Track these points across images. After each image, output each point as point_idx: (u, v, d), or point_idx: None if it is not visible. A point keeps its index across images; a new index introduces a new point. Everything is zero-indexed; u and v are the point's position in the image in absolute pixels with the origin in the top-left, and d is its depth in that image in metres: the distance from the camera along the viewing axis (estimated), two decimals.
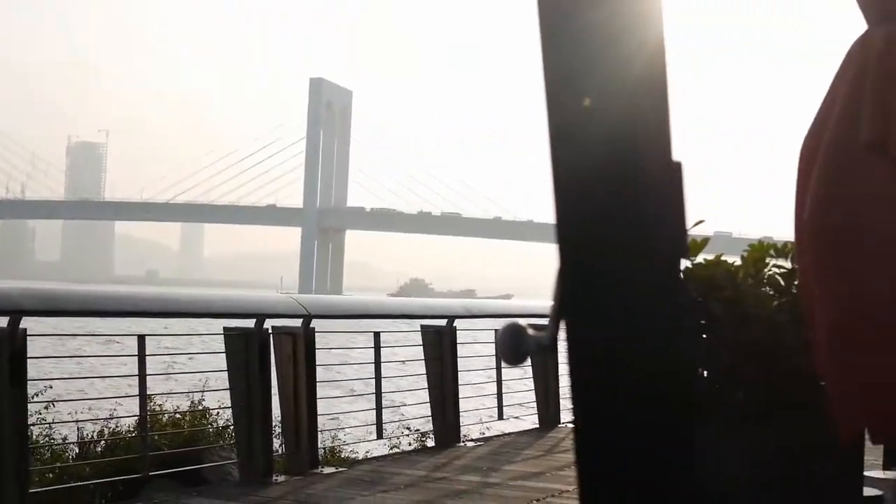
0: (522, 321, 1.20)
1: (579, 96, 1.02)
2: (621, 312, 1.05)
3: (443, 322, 10.13)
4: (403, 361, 10.73)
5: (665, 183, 1.06)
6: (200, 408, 9.96)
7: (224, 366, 7.93)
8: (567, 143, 1.04)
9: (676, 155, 1.06)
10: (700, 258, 3.25)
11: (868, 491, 5.67)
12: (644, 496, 1.05)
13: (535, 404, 11.37)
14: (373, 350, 9.64)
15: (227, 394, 7.97)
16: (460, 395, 10.23)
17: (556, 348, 1.21)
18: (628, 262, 1.04)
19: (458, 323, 10.18)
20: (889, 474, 6.29)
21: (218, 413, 9.62)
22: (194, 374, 11.10)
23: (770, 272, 3.45)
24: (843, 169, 2.61)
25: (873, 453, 7.15)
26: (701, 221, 3.22)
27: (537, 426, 11.09)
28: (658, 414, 1.05)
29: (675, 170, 1.07)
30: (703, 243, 3.22)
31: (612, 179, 1.05)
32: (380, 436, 9.94)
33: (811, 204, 2.60)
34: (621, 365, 1.05)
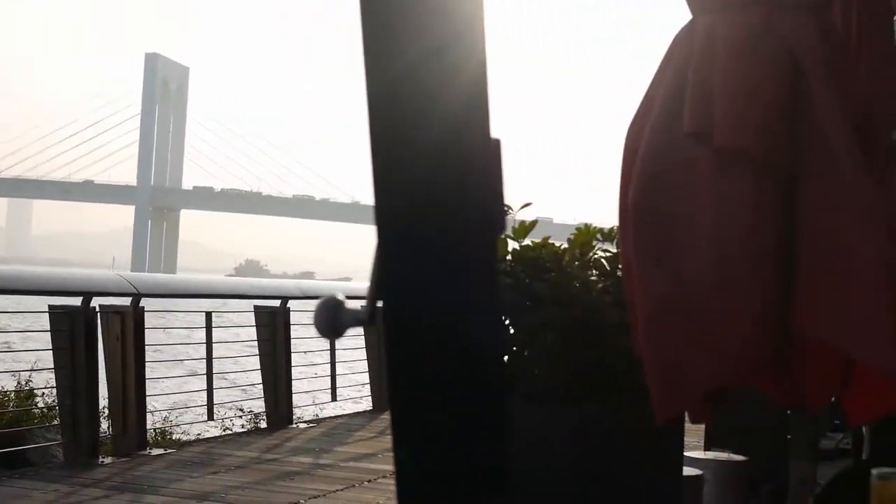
0: (342, 296, 1.20)
1: (398, 72, 1.02)
2: (436, 290, 1.05)
3: (276, 303, 10.05)
4: (236, 342, 10.62)
5: (483, 159, 1.07)
6: (27, 388, 9.66)
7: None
8: (384, 118, 1.04)
9: (495, 132, 1.07)
10: (527, 241, 3.30)
11: (689, 471, 5.87)
12: (456, 476, 1.06)
13: (369, 386, 11.38)
14: (204, 330, 9.52)
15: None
16: (294, 377, 10.18)
17: (374, 323, 1.21)
18: (444, 239, 1.05)
19: (292, 304, 10.12)
20: (709, 454, 6.52)
21: (44, 393, 9.34)
22: (26, 354, 10.79)
23: (596, 256, 3.52)
24: (665, 157, 2.68)
25: (695, 435, 7.42)
26: (528, 204, 3.27)
27: (371, 408, 11.11)
28: (471, 394, 1.06)
29: (494, 146, 1.07)
30: (531, 225, 3.27)
31: (429, 155, 1.05)
32: (211, 417, 9.81)
33: (634, 191, 2.67)
34: (435, 343, 1.05)
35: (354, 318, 1.22)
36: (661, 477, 3.91)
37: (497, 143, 1.10)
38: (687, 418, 2.89)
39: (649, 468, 3.67)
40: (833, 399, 2.90)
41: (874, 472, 1.70)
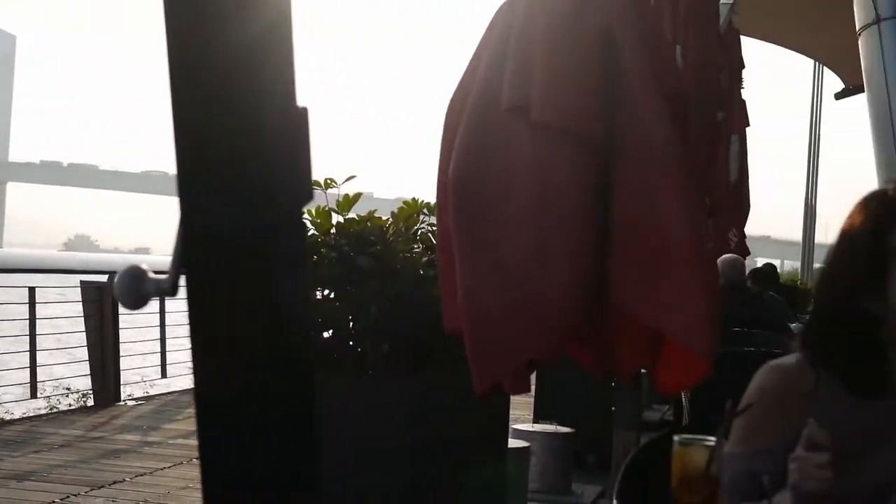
0: (145, 266, 1.17)
1: (199, 42, 1.00)
2: (239, 261, 1.03)
3: (104, 278, 9.82)
4: (62, 318, 10.33)
5: (288, 128, 1.06)
6: None
7: None
8: (185, 87, 1.01)
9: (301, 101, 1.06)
10: (352, 214, 3.29)
11: (516, 443, 5.98)
12: (262, 453, 1.05)
13: None
14: (27, 306, 9.24)
15: None
16: (124, 354, 9.98)
17: (176, 294, 1.18)
18: (248, 209, 1.03)
19: None
20: (537, 427, 6.66)
21: None
22: None
23: (422, 230, 3.54)
24: (485, 132, 2.71)
25: (526, 408, 7.56)
26: (352, 177, 3.27)
27: None
28: (277, 369, 1.05)
29: (300, 115, 1.06)
30: (355, 198, 3.27)
31: (232, 125, 1.03)
32: (34, 395, 9.54)
33: (454, 165, 2.68)
34: (238, 316, 1.04)
35: (157, 289, 1.19)
36: (487, 448, 3.97)
37: (304, 111, 1.09)
38: (509, 390, 2.91)
39: (475, 439, 3.72)
40: (643, 370, 2.98)
41: (676, 438, 1.76)
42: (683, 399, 5.44)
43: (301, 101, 1.13)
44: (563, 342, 2.76)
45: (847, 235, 1.93)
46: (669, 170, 2.63)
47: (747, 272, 10.41)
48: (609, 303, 2.70)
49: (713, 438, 1.74)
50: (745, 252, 8.76)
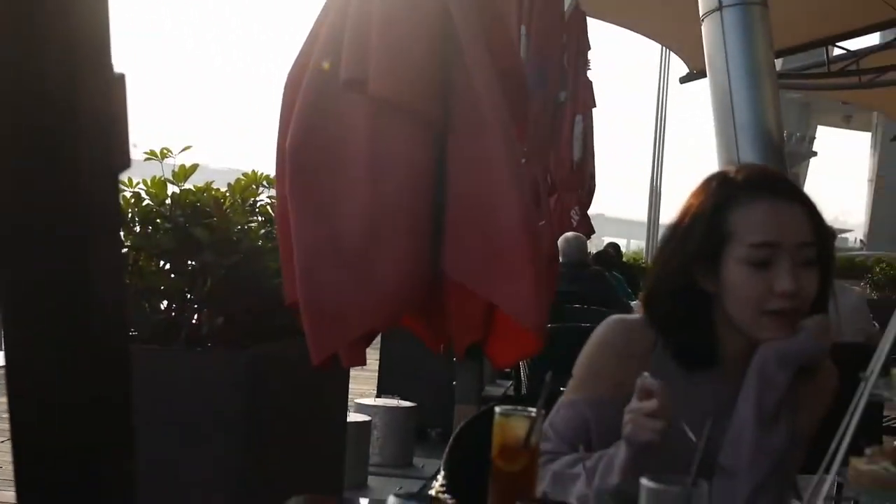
0: None
1: (9, 7, 0.97)
2: (49, 230, 1.01)
3: None
4: None
5: (102, 95, 1.04)
6: None
7: None
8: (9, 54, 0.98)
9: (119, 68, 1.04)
10: (188, 185, 3.24)
11: (357, 417, 5.99)
12: (74, 429, 1.03)
13: None
14: None
15: None
16: None
17: None
18: (59, 179, 1.01)
19: None
20: (379, 401, 6.68)
21: None
22: None
23: (261, 202, 3.52)
24: (324, 104, 2.70)
25: (370, 383, 7.57)
26: (188, 147, 3.22)
27: None
28: (88, 344, 1.02)
29: (116, 81, 1.04)
30: (191, 169, 3.22)
31: (43, 91, 1.00)
32: None
33: (291, 137, 2.67)
34: (48, 288, 1.01)
35: None
36: (325, 422, 3.97)
37: (121, 78, 1.07)
38: (346, 362, 2.91)
39: (311, 413, 3.71)
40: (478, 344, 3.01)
41: (497, 409, 1.79)
42: (522, 373, 5.53)
43: (119, 67, 1.11)
44: (399, 315, 2.78)
45: (687, 213, 1.99)
46: (500, 146, 2.67)
47: (593, 251, 10.65)
48: (443, 276, 2.74)
49: (534, 409, 1.78)
50: (589, 230, 8.94)
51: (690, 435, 1.71)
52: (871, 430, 4.43)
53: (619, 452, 1.81)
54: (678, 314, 1.98)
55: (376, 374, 7.49)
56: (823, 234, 1.96)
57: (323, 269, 2.63)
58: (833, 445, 1.39)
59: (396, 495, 1.42)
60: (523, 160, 3.25)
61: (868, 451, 1.36)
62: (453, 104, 2.71)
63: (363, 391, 7.35)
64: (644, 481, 1.36)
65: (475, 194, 2.67)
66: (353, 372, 4.09)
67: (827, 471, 1.36)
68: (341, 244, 2.64)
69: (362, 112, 2.66)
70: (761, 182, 1.98)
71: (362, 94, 2.64)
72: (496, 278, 2.65)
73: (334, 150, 2.68)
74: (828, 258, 1.97)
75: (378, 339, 7.36)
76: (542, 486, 1.87)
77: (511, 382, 8.34)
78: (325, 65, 2.68)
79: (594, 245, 12.45)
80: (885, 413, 4.95)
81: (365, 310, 2.68)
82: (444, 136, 2.71)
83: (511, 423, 1.78)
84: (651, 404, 1.76)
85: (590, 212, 9.14)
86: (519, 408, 1.79)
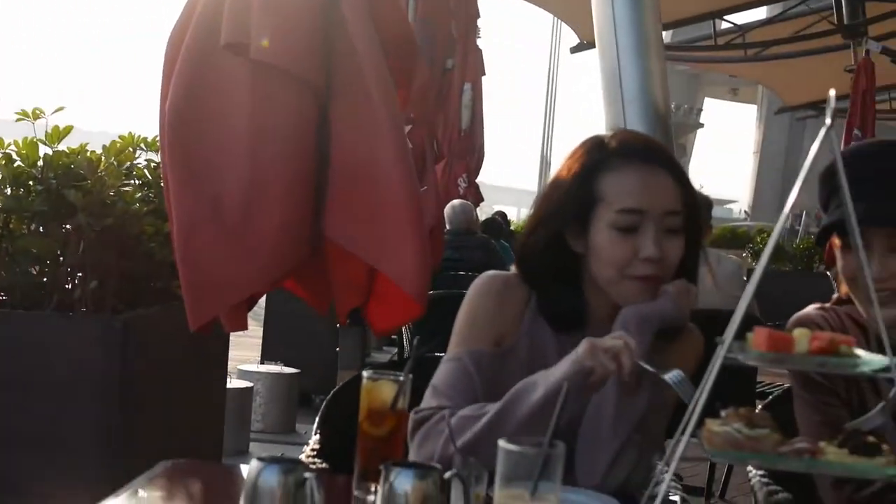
0: None
1: None
2: None
3: None
4: None
5: None
6: None
7: None
8: None
9: None
10: (62, 146, 3.17)
11: (240, 383, 5.96)
12: None
13: None
14: None
15: None
16: None
17: None
18: None
19: None
20: (262, 367, 6.66)
21: None
22: None
23: (138, 165, 3.46)
24: (203, 68, 2.67)
25: (255, 349, 7.53)
26: (61, 108, 3.16)
27: None
28: None
29: None
30: (65, 131, 3.15)
31: None
32: None
33: (170, 101, 2.64)
34: None
35: None
36: (204, 388, 3.93)
37: None
38: (227, 327, 2.88)
39: (189, 380, 3.68)
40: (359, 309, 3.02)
41: (365, 373, 1.80)
42: (405, 339, 5.56)
43: None
44: (279, 279, 2.77)
45: (561, 174, 2.03)
46: (382, 111, 2.67)
47: (482, 219, 10.70)
48: (326, 240, 2.73)
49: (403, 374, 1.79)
50: (477, 198, 8.99)
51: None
52: (744, 395, 4.56)
53: (559, 367, 1.84)
54: (549, 272, 2.02)
55: (261, 340, 7.46)
56: (692, 202, 2.00)
57: (202, 233, 2.61)
58: (690, 408, 1.43)
59: (260, 459, 1.41)
60: (409, 126, 3.26)
61: (723, 413, 1.40)
62: (336, 69, 2.70)
63: (248, 357, 7.31)
64: (502, 443, 1.38)
65: (357, 160, 2.67)
66: (238, 338, 4.07)
67: (683, 432, 1.40)
68: (220, 208, 2.62)
69: (243, 75, 2.63)
70: (634, 149, 2.02)
71: (243, 58, 2.61)
72: (378, 243, 2.66)
73: (214, 113, 2.64)
74: (695, 227, 2.01)
75: (263, 306, 7.33)
76: (441, 439, 1.87)
77: (396, 350, 8.37)
78: (205, 28, 2.64)
79: (483, 213, 12.53)
80: (759, 378, 5.07)
81: (244, 275, 2.66)
82: (327, 101, 2.69)
83: (378, 388, 1.79)
84: (616, 342, 1.80)
85: (479, 180, 9.18)
86: (387, 372, 1.81)
